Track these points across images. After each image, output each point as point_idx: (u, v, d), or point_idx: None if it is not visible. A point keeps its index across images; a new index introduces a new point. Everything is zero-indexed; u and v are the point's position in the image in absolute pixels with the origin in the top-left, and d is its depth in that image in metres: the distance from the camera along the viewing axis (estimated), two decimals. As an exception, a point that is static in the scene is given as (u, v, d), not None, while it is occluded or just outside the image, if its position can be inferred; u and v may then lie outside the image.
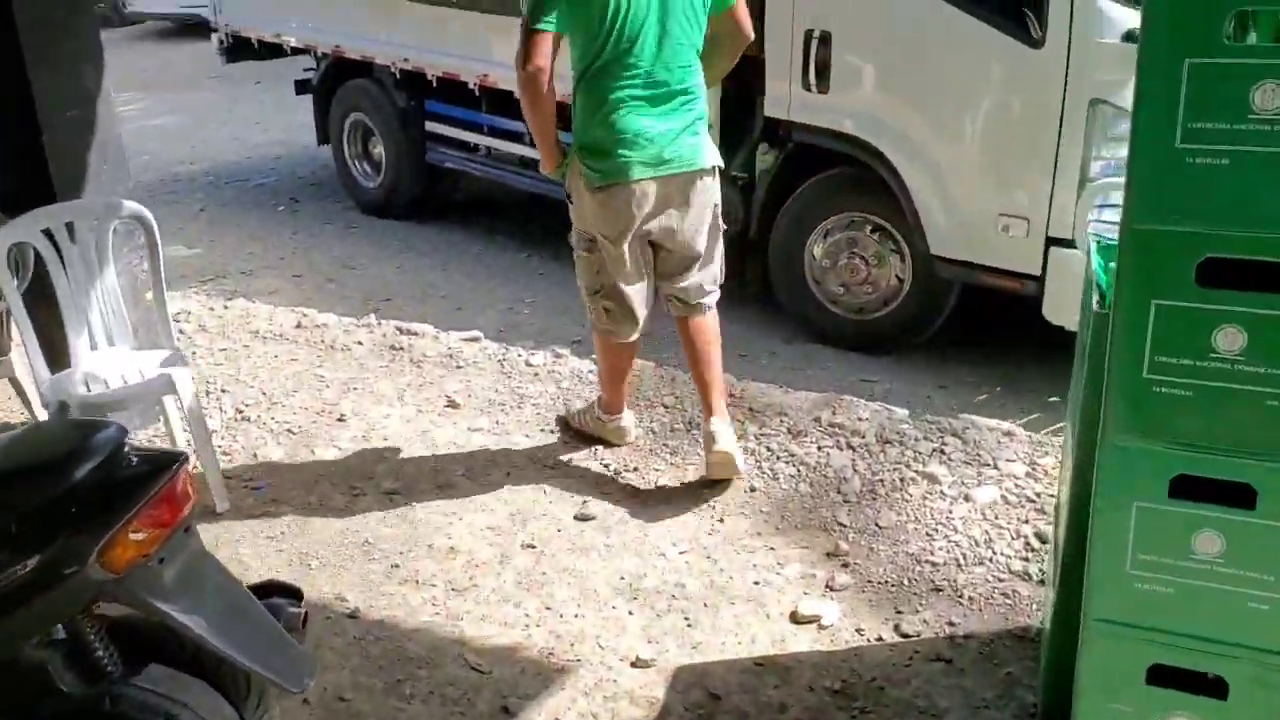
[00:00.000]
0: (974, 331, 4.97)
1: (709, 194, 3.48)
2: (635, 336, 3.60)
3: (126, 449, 2.16)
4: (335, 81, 7.25)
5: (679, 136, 3.33)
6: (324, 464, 3.79)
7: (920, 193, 4.51)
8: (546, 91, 3.25)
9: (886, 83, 4.58)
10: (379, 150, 7.06)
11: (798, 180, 4.95)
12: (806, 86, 4.71)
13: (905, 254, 4.74)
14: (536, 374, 4.34)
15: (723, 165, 3.56)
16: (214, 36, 7.94)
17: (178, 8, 14.28)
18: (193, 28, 13.92)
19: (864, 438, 3.76)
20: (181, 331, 4.82)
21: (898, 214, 4.63)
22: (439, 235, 6.81)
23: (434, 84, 6.43)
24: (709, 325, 3.67)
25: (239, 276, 6.19)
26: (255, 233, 7.03)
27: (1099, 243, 2.34)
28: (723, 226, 3.63)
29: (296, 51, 7.48)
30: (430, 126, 6.71)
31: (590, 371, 4.28)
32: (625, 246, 3.39)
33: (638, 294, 3.50)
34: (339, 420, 4.08)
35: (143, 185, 8.33)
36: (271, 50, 7.65)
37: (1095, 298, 2.17)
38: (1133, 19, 3.85)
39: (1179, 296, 1.70)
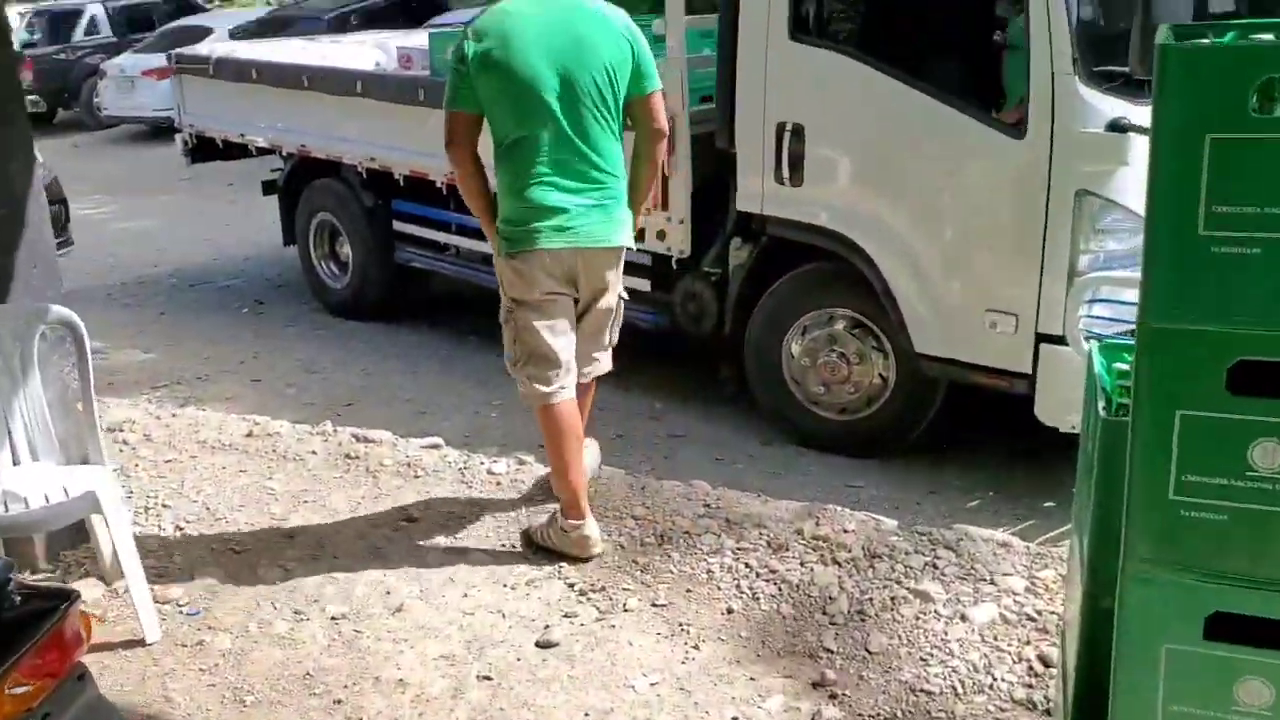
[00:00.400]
0: (962, 430, 4.75)
1: (614, 273, 3.57)
2: (567, 391, 3.54)
3: (10, 587, 1.91)
4: (301, 181, 7.09)
5: (588, 211, 3.39)
6: (267, 586, 3.49)
7: (902, 288, 4.32)
8: (473, 169, 3.43)
9: (863, 175, 4.42)
10: (346, 250, 6.87)
11: (773, 275, 4.77)
12: (780, 180, 4.55)
13: (888, 351, 4.54)
14: (499, 483, 4.07)
15: (633, 246, 3.63)
16: (178, 137, 7.80)
17: (151, 111, 14.24)
18: (166, 130, 13.79)
19: (850, 552, 3.49)
20: (125, 443, 4.55)
21: (879, 310, 4.43)
22: (408, 337, 6.58)
23: (401, 183, 6.27)
24: (586, 389, 3.80)
25: (194, 382, 5.93)
26: (215, 337, 6.79)
27: (1100, 341, 2.13)
28: (623, 301, 3.72)
29: (262, 152, 7.34)
30: (398, 226, 6.53)
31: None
32: (541, 307, 3.47)
33: (561, 346, 3.51)
34: (286, 537, 3.79)
35: (105, 288, 8.15)
36: (237, 150, 7.51)
37: (1101, 403, 1.94)
38: (1118, 108, 3.71)
39: (1208, 406, 1.48)
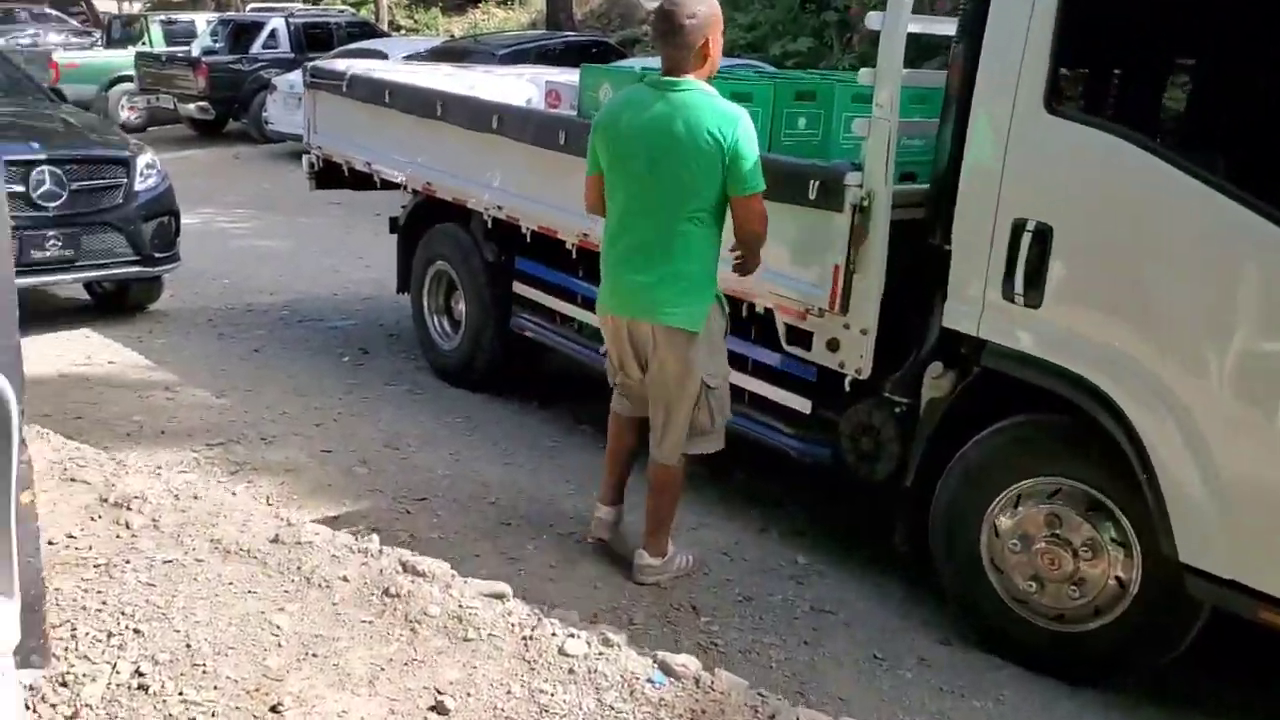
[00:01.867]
0: (1215, 655, 3.43)
1: (671, 353, 3.63)
2: (624, 408, 4.01)
3: None
4: (423, 224, 6.20)
5: (646, 287, 3.58)
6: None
7: (1169, 464, 3.06)
8: None
9: (1129, 300, 3.19)
10: (461, 308, 5.93)
11: (981, 419, 3.55)
12: (1009, 295, 3.35)
13: (1133, 547, 3.27)
14: (571, 670, 2.95)
15: (696, 330, 3.59)
16: (305, 159, 7.04)
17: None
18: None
19: None
20: (126, 526, 3.61)
21: (1128, 489, 3.18)
22: (512, 417, 5.57)
23: (528, 238, 5.28)
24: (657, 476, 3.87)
25: (255, 443, 5.02)
26: (303, 386, 5.91)
27: None
28: (696, 394, 3.69)
29: (387, 185, 6.49)
30: (519, 287, 5.54)
31: (651, 682, 2.88)
32: (617, 363, 3.88)
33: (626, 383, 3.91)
34: (272, 710, 2.75)
35: (207, 313, 7.43)
36: (360, 180, 6.70)
37: None
38: None
39: None
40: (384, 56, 15.05)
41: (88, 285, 7.39)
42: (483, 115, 5.42)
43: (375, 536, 3.62)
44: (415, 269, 6.28)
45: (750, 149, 3.42)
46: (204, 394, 5.71)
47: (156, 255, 7.04)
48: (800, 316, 3.94)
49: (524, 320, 5.55)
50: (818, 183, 3.80)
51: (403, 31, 22.10)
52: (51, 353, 6.37)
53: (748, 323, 4.23)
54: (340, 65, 6.72)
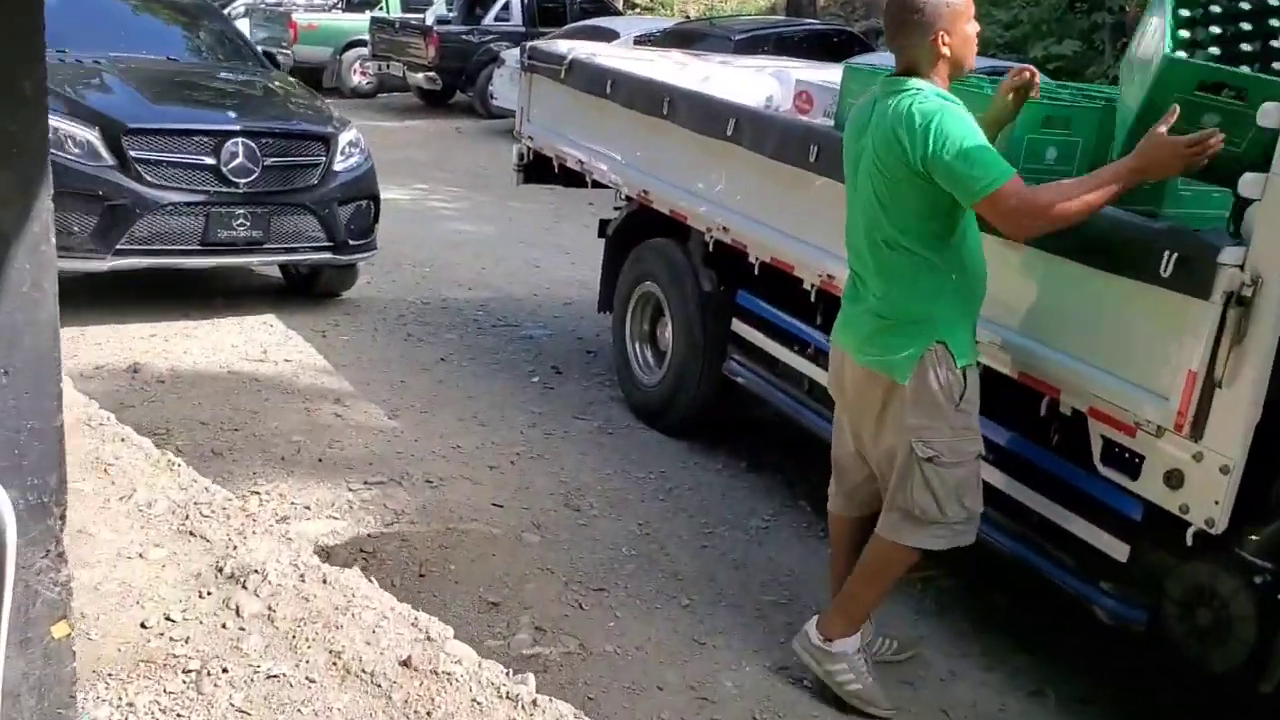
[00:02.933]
0: None
1: (868, 402, 3.03)
2: (838, 506, 3.33)
3: None
4: (634, 236, 5.38)
5: (854, 318, 3.08)
6: None
7: None
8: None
9: None
10: (667, 338, 5.08)
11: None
12: None
13: None
14: None
15: (899, 381, 2.91)
16: (514, 148, 6.33)
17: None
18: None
19: None
20: (236, 610, 2.92)
21: None
22: (716, 481, 4.64)
23: (756, 269, 4.37)
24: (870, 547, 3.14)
25: (418, 487, 4.31)
26: (483, 413, 5.19)
27: None
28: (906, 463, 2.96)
29: (598, 185, 5.71)
30: (738, 326, 4.64)
31: None
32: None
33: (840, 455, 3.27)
34: None
35: (398, 307, 6.85)
36: (572, 178, 5.94)
37: None
38: None
39: None
40: (614, 35, 14.40)
41: (281, 266, 6.94)
42: (716, 118, 4.52)
43: (531, 679, 2.78)
44: (620, 286, 5.46)
45: (951, 145, 2.72)
46: (375, 412, 5.06)
47: (351, 242, 6.48)
48: (1127, 431, 2.88)
49: (740, 365, 4.65)
50: (1174, 255, 2.74)
51: (637, 10, 21.46)
52: (228, 342, 5.89)
53: (1046, 422, 3.20)
54: (561, 47, 5.95)
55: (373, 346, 6.11)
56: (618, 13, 18.16)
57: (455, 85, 16.23)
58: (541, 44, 6.14)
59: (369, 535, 3.85)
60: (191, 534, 3.28)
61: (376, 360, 5.85)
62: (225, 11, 18.13)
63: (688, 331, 4.87)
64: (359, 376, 5.54)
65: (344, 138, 6.50)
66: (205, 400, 5.01)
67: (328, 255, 6.45)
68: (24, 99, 1.77)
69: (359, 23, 17.07)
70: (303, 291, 6.93)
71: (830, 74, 5.18)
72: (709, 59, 6.47)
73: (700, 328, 4.79)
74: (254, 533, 3.29)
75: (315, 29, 17.12)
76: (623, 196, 5.43)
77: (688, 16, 21.12)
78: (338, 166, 6.40)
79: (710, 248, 4.65)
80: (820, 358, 4.05)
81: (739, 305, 4.60)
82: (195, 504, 3.43)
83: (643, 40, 14.06)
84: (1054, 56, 14.25)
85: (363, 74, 17.15)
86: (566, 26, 15.46)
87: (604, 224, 5.97)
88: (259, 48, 17.31)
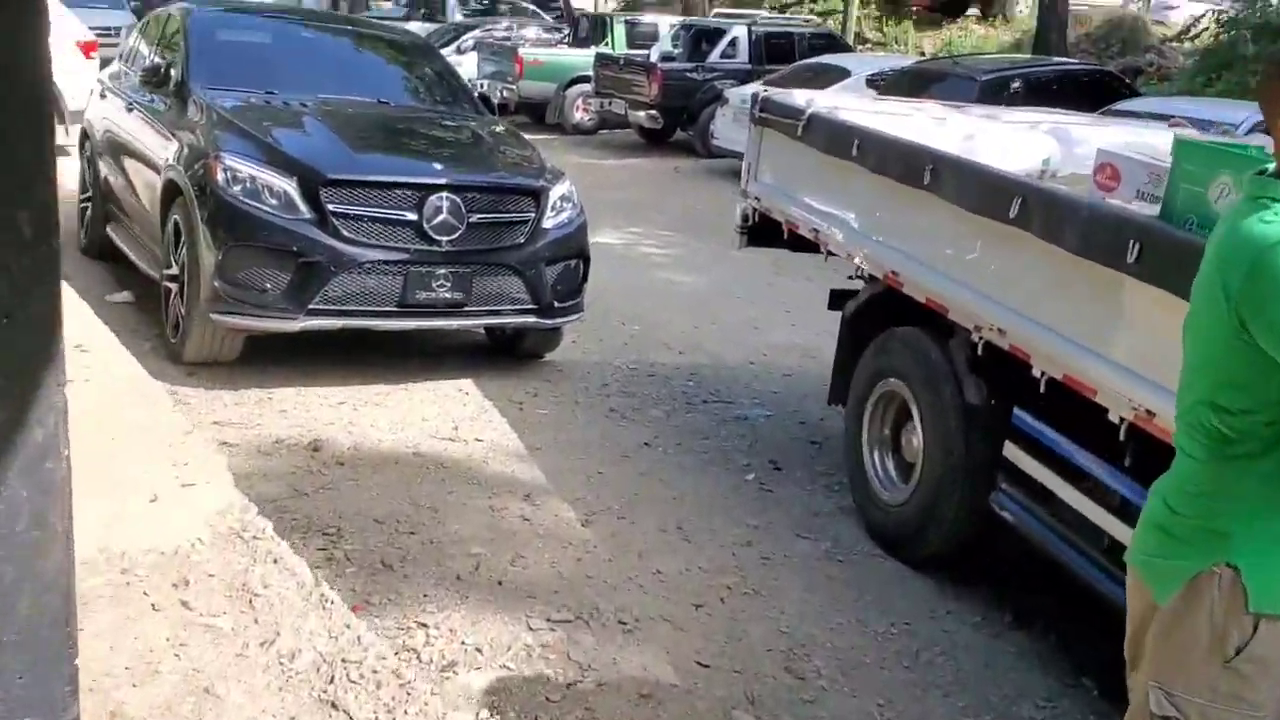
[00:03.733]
0: None
1: (1133, 612, 2.15)
2: None
3: None
4: (877, 320, 4.56)
5: (1142, 526, 2.16)
6: None
7: None
8: None
9: None
10: (916, 448, 4.23)
11: None
12: None
13: None
14: None
15: (1157, 600, 2.04)
16: (738, 207, 5.62)
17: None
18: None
19: None
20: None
21: None
22: (975, 640, 3.75)
23: (1041, 385, 3.49)
24: None
25: (609, 630, 3.59)
26: (690, 522, 4.46)
27: None
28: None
29: (833, 255, 4.92)
30: (1011, 450, 3.74)
31: None
32: None
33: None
34: None
35: (603, 376, 6.24)
36: (800, 243, 5.18)
37: None
38: None
39: None
40: (845, 74, 13.56)
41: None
42: (996, 195, 3.67)
43: None
44: (858, 380, 4.65)
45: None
46: (568, 516, 4.41)
47: (557, 305, 5.92)
48: None
49: (1011, 500, 3.75)
50: None
51: (869, 45, 20.52)
52: (419, 414, 5.38)
53: None
54: (799, 99, 5.21)
55: (572, 424, 5.50)
56: (849, 49, 17.28)
57: (676, 123, 15.71)
58: (776, 94, 5.40)
59: (545, 698, 3.16)
60: (334, 706, 2.68)
61: (575, 443, 5.22)
62: (455, 44, 18.35)
63: (944, 448, 4.01)
64: (554, 464, 4.92)
65: (555, 192, 5.94)
66: (385, 490, 4.48)
67: (532, 319, 5.90)
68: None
69: (584, 58, 16.82)
70: (506, 352, 6.42)
71: (1129, 135, 4.26)
72: (969, 112, 5.58)
73: (961, 446, 3.93)
74: (405, 713, 2.66)
75: (541, 65, 16.97)
76: (864, 276, 4.62)
77: (922, 53, 20.05)
78: (547, 223, 5.85)
79: (979, 350, 3.79)
80: (1127, 512, 3.13)
81: (1015, 426, 3.72)
82: (344, 661, 2.84)
83: (875, 80, 13.17)
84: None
85: (585, 110, 16.90)
86: (794, 65, 14.73)
87: (836, 295, 5.20)
88: (484, 82, 17.65)
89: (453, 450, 5.00)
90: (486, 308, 5.75)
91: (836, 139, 4.62)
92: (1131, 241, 3.05)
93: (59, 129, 8.08)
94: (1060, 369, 3.38)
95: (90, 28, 11.63)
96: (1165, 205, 3.10)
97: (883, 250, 4.33)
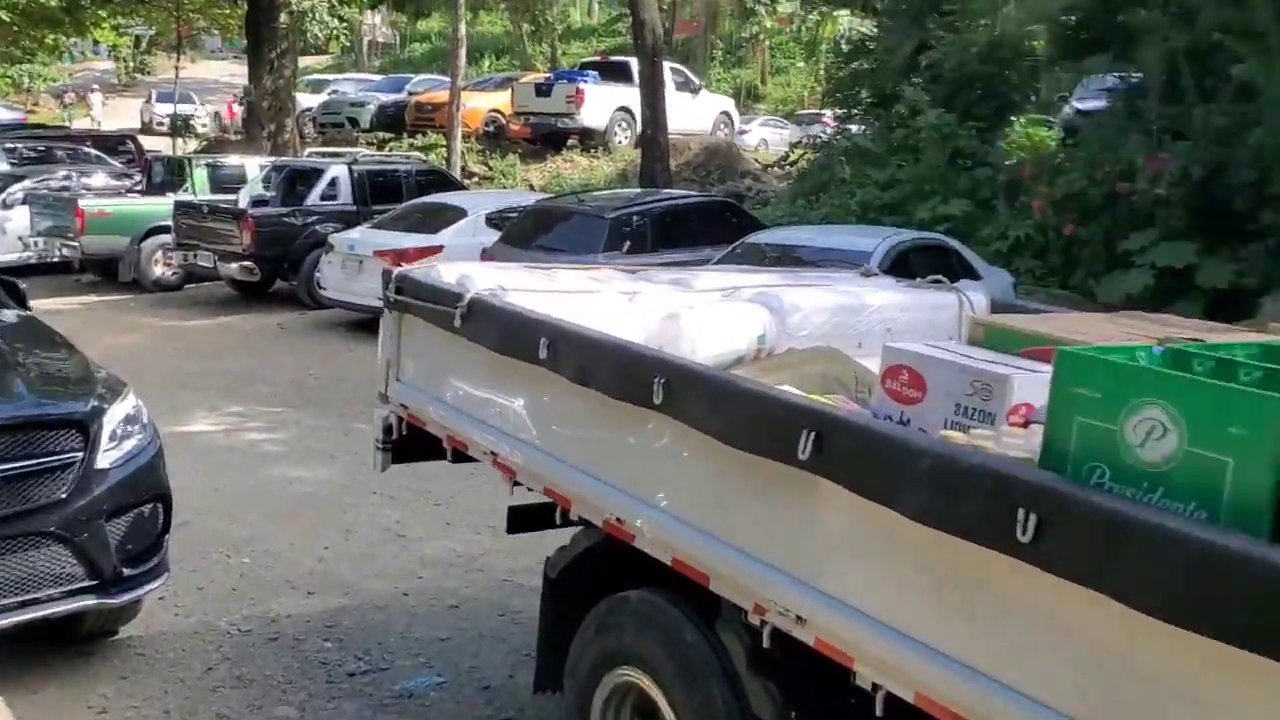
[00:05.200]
0: None
1: None
2: None
3: None
4: (595, 581, 3.30)
5: None
6: None
7: None
8: None
9: None
10: (674, 764, 2.98)
11: None
12: None
13: None
14: None
15: None
16: (377, 415, 4.23)
17: (377, 300, 11.15)
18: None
19: None
20: None
21: None
22: None
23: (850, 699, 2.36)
24: None
25: None
26: None
27: None
28: None
29: (518, 484, 3.65)
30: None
31: None
32: None
33: None
34: None
35: (210, 643, 4.55)
36: (459, 457, 3.89)
37: None
38: None
39: None
40: (462, 214, 12.57)
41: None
42: (777, 428, 2.54)
43: None
44: (573, 661, 3.36)
45: None
46: None
47: (127, 573, 4.20)
48: None
49: None
50: None
51: (476, 180, 19.79)
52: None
53: None
54: (448, 276, 3.93)
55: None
56: (460, 185, 16.37)
57: (276, 273, 13.99)
58: (417, 272, 4.09)
59: None
60: None
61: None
62: (1, 198, 15.58)
63: (723, 776, 2.79)
64: None
65: (114, 415, 4.27)
66: None
67: (92, 599, 4.14)
68: None
69: (161, 207, 14.71)
70: (60, 635, 4.55)
71: (846, 295, 3.39)
72: (655, 279, 4.53)
73: (753, 778, 2.72)
74: None
75: (107, 216, 14.66)
76: (571, 516, 3.36)
77: (531, 186, 19.62)
78: (103, 462, 4.15)
79: (767, 638, 2.63)
80: None
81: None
82: None
83: (495, 219, 12.26)
84: (942, 217, 13.16)
85: (166, 265, 14.77)
86: (405, 204, 13.56)
87: (518, 515, 3.93)
88: (39, 241, 15.02)
89: None
90: (17, 599, 3.92)
91: (515, 336, 3.37)
92: (1023, 512, 1.99)
93: None
94: (912, 688, 2.27)
95: None
96: (1048, 446, 2.09)
97: (603, 489, 3.10)
